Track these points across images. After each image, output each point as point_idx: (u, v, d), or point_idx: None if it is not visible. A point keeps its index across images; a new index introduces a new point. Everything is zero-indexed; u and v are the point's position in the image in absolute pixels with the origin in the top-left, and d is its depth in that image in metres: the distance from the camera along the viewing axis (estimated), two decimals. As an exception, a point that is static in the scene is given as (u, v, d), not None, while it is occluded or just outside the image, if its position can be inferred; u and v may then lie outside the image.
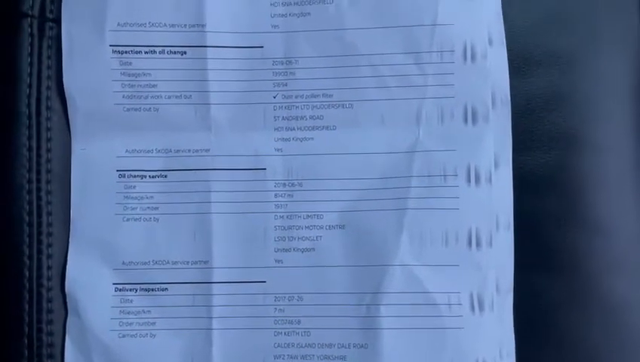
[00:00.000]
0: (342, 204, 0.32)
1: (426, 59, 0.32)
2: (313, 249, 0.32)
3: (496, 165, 0.32)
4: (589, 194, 0.33)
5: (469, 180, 0.32)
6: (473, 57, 0.32)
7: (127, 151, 0.33)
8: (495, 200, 0.32)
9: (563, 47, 0.33)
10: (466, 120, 0.32)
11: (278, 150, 0.33)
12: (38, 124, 0.32)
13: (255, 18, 0.33)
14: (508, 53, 0.33)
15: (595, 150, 0.33)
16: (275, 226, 0.32)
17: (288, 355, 0.32)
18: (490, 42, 0.32)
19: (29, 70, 0.32)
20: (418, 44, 0.32)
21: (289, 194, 0.32)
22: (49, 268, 0.32)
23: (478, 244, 0.32)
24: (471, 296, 0.31)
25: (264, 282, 0.32)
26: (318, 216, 0.32)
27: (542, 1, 0.34)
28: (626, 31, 0.34)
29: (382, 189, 0.32)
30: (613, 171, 0.33)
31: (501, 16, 0.33)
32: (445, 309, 0.31)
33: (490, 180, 0.32)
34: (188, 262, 0.32)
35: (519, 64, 0.33)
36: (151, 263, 0.32)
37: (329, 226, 0.32)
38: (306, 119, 0.33)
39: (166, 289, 0.32)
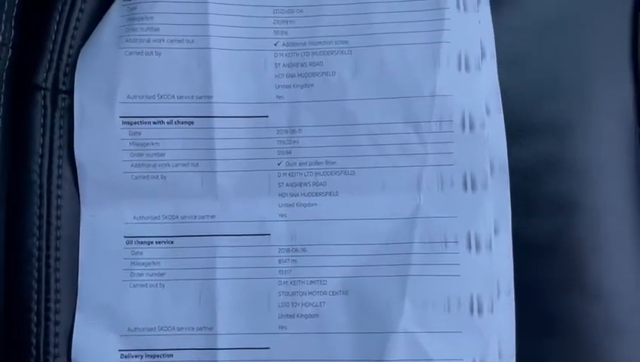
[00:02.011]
0: (345, 270, 0.33)
1: (425, 129, 0.33)
2: (317, 315, 0.32)
3: (496, 231, 0.33)
4: (589, 260, 0.33)
5: (469, 247, 0.32)
6: (471, 126, 0.33)
7: (134, 217, 0.33)
8: (495, 267, 0.32)
9: (559, 115, 0.34)
10: (465, 187, 0.33)
11: (282, 215, 0.33)
12: (49, 192, 0.33)
13: (260, 89, 0.34)
14: (505, 121, 0.33)
15: (594, 215, 0.33)
16: (279, 292, 0.33)
17: (293, 423, 0.32)
18: (488, 111, 0.33)
19: (41, 141, 0.33)
20: (418, 114, 0.33)
21: (293, 260, 0.33)
22: (56, 334, 0.32)
23: (479, 311, 0.32)
24: (473, 362, 0.32)
25: (268, 349, 0.32)
26: (321, 281, 0.33)
27: (538, 69, 0.35)
28: (620, 97, 0.35)
29: (384, 255, 0.32)
30: (613, 236, 0.34)
31: (498, 86, 0.34)
32: (448, 377, 0.31)
33: (490, 247, 0.32)
34: (193, 328, 0.33)
35: (516, 132, 0.34)
36: (156, 329, 0.33)
37: (332, 292, 0.33)
38: (310, 185, 0.33)
39: (171, 355, 0.32)
